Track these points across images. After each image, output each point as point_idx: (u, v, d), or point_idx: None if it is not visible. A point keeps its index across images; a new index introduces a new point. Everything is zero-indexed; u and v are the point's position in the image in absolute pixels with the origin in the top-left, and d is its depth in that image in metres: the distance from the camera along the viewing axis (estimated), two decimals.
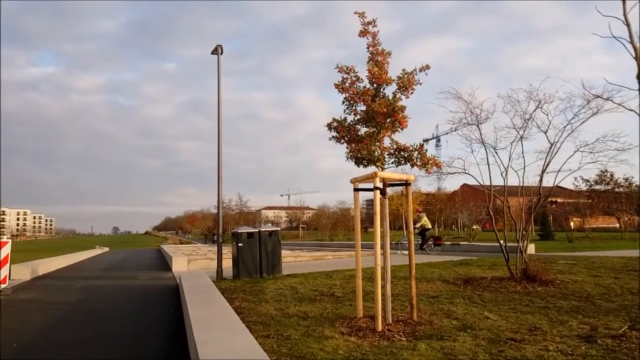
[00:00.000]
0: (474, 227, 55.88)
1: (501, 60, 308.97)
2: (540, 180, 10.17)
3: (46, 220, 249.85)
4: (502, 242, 10.27)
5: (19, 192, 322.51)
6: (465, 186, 62.47)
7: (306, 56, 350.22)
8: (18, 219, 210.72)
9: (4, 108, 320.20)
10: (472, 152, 10.62)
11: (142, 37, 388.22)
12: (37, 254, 30.60)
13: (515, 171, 10.29)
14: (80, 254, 30.30)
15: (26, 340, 6.36)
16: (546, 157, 9.98)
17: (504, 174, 10.29)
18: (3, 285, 10.92)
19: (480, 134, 10.39)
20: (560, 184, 10.83)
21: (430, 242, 20.45)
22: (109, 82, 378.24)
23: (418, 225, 19.43)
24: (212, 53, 14.67)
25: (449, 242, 35.29)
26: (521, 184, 10.38)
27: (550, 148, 9.97)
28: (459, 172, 10.57)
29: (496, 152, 10.35)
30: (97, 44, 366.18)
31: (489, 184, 10.41)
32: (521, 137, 10.16)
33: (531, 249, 17.73)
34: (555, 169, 10.14)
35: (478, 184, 10.68)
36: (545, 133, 10.05)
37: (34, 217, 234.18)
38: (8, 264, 11.27)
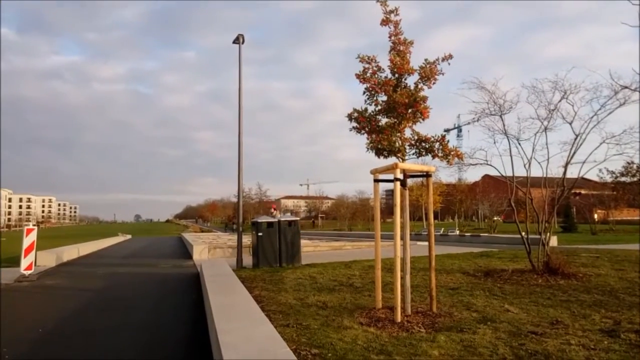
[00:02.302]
0: (495, 218, 55.34)
1: (525, 48, 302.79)
2: (565, 172, 10.02)
3: (70, 208, 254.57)
4: (523, 234, 10.15)
5: (43, 180, 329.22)
6: (486, 177, 61.77)
7: (326, 45, 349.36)
8: (43, 206, 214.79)
9: (26, 96, 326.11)
10: (494, 143, 10.51)
11: (162, 25, 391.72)
12: (61, 241, 31.27)
13: (539, 163, 10.15)
14: (104, 241, 30.87)
15: (51, 326, 6.52)
16: (571, 149, 9.83)
17: (527, 166, 10.15)
18: (29, 272, 11.20)
19: (504, 125, 10.27)
20: (585, 176, 10.64)
21: None
22: (130, 71, 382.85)
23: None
24: (234, 42, 14.73)
25: (469, 234, 35.09)
26: (544, 175, 10.24)
27: (576, 139, 9.80)
28: (481, 164, 10.48)
29: (519, 143, 10.22)
30: (118, 32, 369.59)
31: (511, 175, 10.29)
32: (545, 128, 10.01)
33: (553, 241, 17.52)
34: (580, 160, 9.98)
35: (500, 175, 10.57)
36: (570, 124, 9.89)
37: (59, 205, 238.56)
38: (34, 251, 11.54)
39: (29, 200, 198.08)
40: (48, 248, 17.68)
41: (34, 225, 12.81)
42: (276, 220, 13.60)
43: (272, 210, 18.20)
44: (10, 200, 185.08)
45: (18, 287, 10.33)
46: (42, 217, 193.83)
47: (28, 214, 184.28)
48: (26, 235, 11.40)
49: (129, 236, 47.16)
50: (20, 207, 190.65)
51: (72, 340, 5.83)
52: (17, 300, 8.89)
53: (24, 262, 11.21)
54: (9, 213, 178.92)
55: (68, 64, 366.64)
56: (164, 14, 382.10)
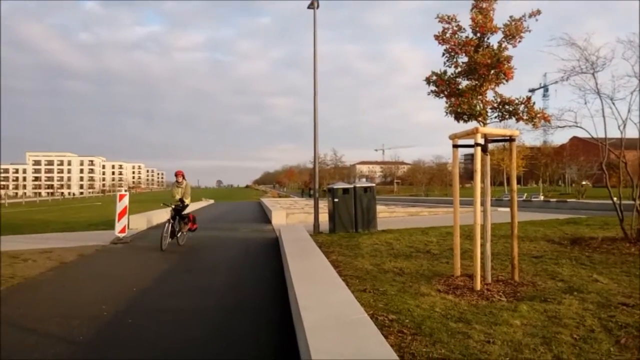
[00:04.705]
0: (584, 183, 52.24)
1: None
2: None
3: (158, 174, 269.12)
4: (615, 199, 9.52)
5: (131, 148, 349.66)
6: (575, 139, 58.23)
7: (399, 5, 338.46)
8: (133, 173, 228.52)
9: (113, 68, 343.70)
10: (585, 103, 9.81)
11: None
12: (151, 205, 33.20)
13: (635, 123, 9.39)
14: (189, 206, 32.35)
15: (144, 286, 7.00)
16: None
17: (621, 127, 9.43)
18: (123, 235, 12.06)
19: (596, 83, 9.54)
20: None
21: (187, 228, 12.43)
22: (208, 39, 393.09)
23: (186, 200, 12.35)
24: (309, 7, 14.61)
25: (555, 199, 33.38)
26: None
27: None
28: (570, 126, 9.85)
29: (613, 103, 9.48)
30: (194, 1, 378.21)
31: (603, 137, 9.61)
32: None
33: None
34: None
35: (590, 137, 9.90)
36: None
37: (147, 171, 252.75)
38: (127, 215, 12.40)
39: (120, 167, 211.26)
40: (139, 212, 18.86)
41: (125, 190, 13.69)
42: (351, 186, 13.67)
43: (181, 177, 12.53)
44: (104, 167, 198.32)
45: (113, 248, 11.17)
46: (133, 182, 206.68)
47: (120, 179, 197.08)
48: (119, 201, 12.25)
49: (211, 201, 49.34)
50: (113, 173, 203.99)
51: (162, 299, 6.24)
52: (114, 260, 9.65)
53: (118, 226, 12.09)
54: (103, 179, 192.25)
55: (149, 34, 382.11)
56: None
